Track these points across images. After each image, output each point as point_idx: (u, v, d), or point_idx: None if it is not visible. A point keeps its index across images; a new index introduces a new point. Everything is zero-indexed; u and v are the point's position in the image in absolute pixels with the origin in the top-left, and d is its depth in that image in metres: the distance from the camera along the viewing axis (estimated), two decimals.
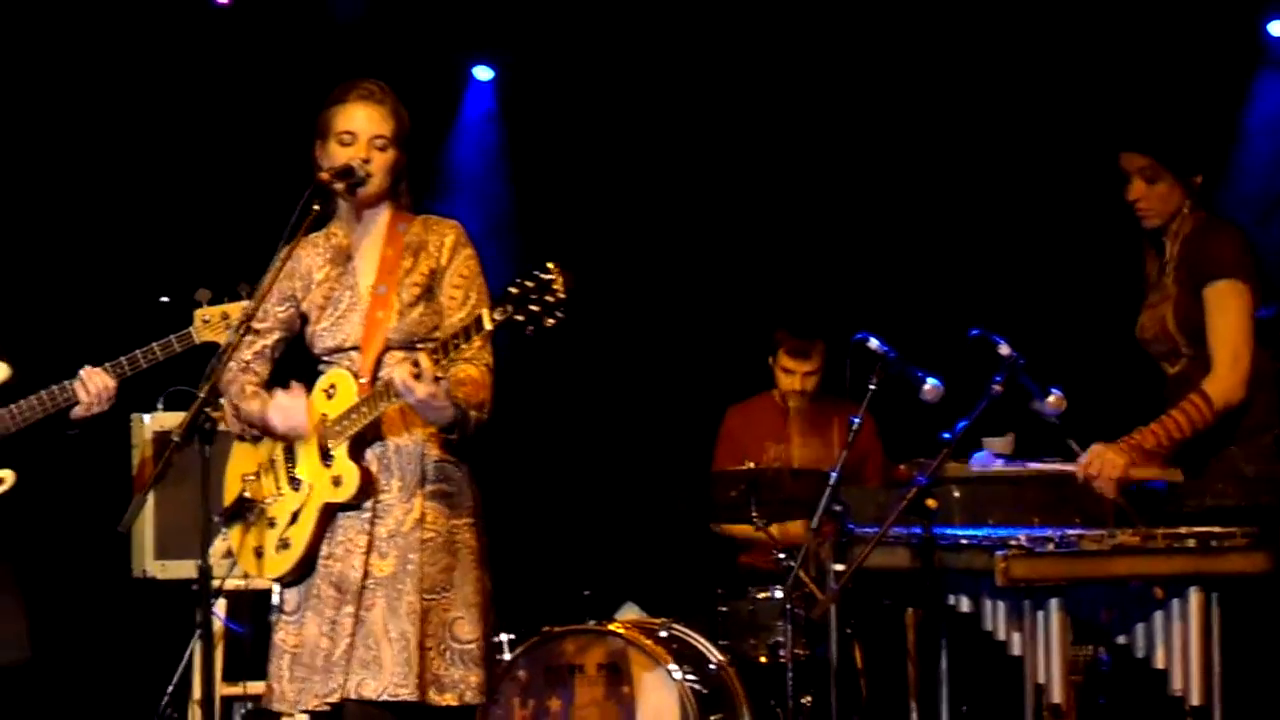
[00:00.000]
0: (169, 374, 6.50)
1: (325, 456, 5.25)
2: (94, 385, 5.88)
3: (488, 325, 4.94)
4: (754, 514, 7.11)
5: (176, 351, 5.89)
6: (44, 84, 8.15)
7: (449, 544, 5.27)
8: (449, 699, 5.20)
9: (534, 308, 4.85)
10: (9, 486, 5.92)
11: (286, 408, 5.28)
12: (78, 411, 5.92)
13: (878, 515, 6.08)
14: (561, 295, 4.84)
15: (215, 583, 5.45)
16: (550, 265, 4.87)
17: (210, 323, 5.87)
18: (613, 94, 8.78)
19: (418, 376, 4.98)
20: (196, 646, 6.63)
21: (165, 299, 6.01)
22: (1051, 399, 5.77)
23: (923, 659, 6.76)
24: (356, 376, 5.26)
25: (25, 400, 5.88)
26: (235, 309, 5.83)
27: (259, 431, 5.35)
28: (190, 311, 5.89)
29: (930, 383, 5.90)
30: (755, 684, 7.05)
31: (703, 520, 7.74)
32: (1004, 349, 5.76)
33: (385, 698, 5.13)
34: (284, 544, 5.28)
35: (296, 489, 5.29)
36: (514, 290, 4.87)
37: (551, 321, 4.86)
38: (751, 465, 7.29)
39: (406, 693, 5.12)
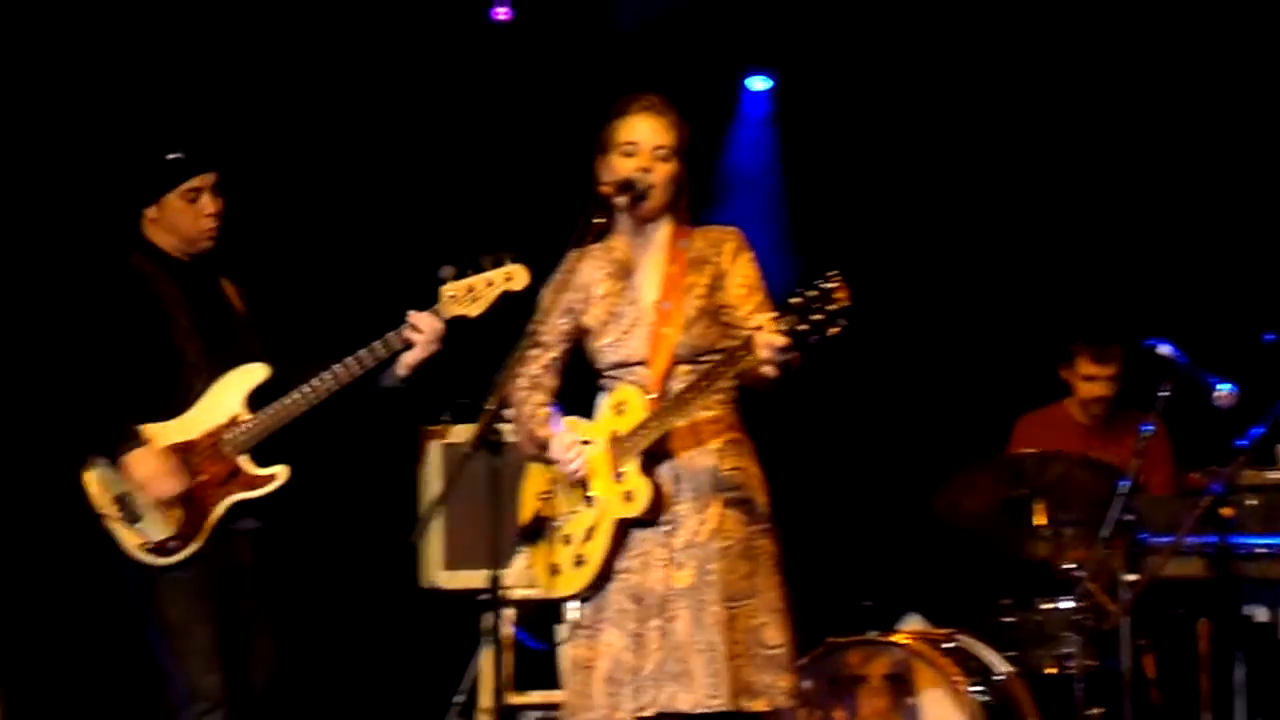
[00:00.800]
0: (456, 386, 6.62)
1: (617, 472, 5.28)
2: (425, 325, 5.90)
3: None
4: (1036, 526, 7.01)
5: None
6: (332, 102, 8.32)
7: (748, 550, 5.28)
8: (760, 704, 5.21)
9: (817, 317, 4.83)
10: (282, 482, 6.02)
11: (564, 454, 5.33)
12: (410, 358, 5.94)
13: (1169, 524, 5.98)
14: (845, 303, 4.83)
15: (505, 593, 5.49)
16: (832, 274, 4.85)
17: (456, 298, 5.91)
18: (892, 100, 8.72)
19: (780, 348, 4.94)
20: (485, 655, 6.71)
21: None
22: None
23: (1217, 670, 6.63)
24: (645, 392, 5.28)
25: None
26: (479, 281, 5.88)
27: (546, 459, 5.41)
28: (435, 289, 5.94)
29: (1223, 388, 5.78)
30: (1043, 696, 6.95)
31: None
32: None
33: (699, 710, 5.14)
34: (580, 560, 5.32)
35: (590, 505, 5.33)
36: (797, 300, 4.87)
37: (835, 330, 4.84)
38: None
39: (719, 703, 5.14)
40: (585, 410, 5.48)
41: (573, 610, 5.42)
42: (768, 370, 5.01)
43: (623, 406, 5.31)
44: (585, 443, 5.36)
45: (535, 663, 6.98)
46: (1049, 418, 7.82)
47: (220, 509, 5.94)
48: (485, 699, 6.91)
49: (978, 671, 6.91)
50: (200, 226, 6.03)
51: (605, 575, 5.29)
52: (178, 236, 6.04)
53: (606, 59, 8.41)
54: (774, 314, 4.95)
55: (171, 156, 6.02)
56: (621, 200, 5.35)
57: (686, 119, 5.43)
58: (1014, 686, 6.93)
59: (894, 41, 8.67)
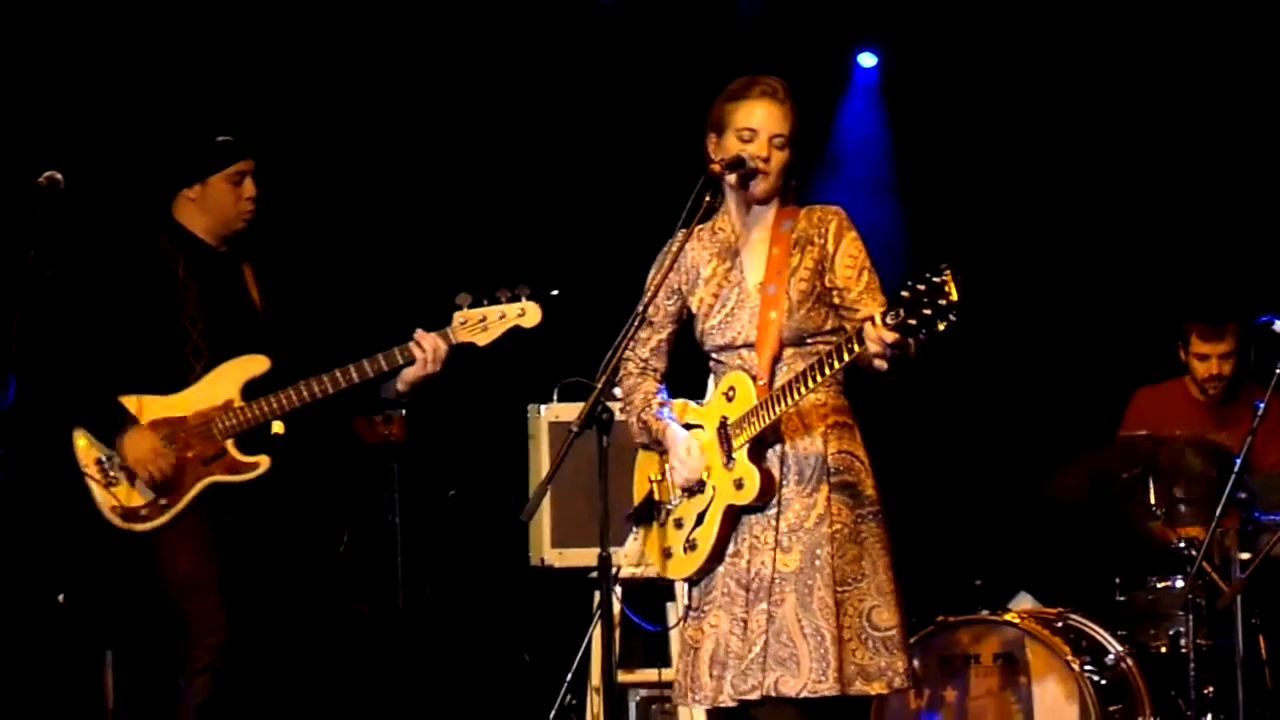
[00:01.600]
0: (564, 365, 6.64)
1: (728, 459, 5.28)
2: (428, 344, 6.05)
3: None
4: (1151, 504, 6.96)
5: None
6: (440, 92, 8.36)
7: (855, 534, 5.25)
8: (877, 687, 5.20)
9: (926, 311, 4.78)
10: (263, 471, 6.16)
11: (685, 464, 5.32)
12: (411, 374, 6.08)
13: None
14: (954, 298, 4.76)
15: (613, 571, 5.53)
16: (942, 267, 4.80)
17: (467, 324, 6.07)
18: (1002, 77, 8.66)
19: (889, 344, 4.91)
20: (596, 633, 6.74)
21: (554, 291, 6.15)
22: None
23: None
24: (754, 378, 5.27)
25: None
26: (492, 312, 6.06)
27: (660, 449, 5.42)
28: (449, 314, 6.10)
29: None
30: (1155, 675, 6.92)
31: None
32: None
33: (805, 694, 5.13)
34: (691, 545, 5.32)
35: (701, 491, 5.32)
36: (905, 294, 4.81)
37: (944, 325, 4.79)
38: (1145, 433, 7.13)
39: (826, 688, 5.12)
40: (693, 389, 5.50)
41: (685, 595, 5.43)
42: (879, 364, 4.99)
43: (732, 393, 5.29)
44: (695, 426, 5.37)
45: (645, 642, 7.00)
46: (1166, 393, 7.74)
47: (198, 487, 6.10)
48: (595, 677, 6.94)
49: (1089, 650, 6.90)
50: (241, 209, 6.22)
51: (716, 559, 5.29)
52: (215, 218, 6.22)
53: (712, 37, 8.39)
54: (882, 307, 4.92)
55: (221, 139, 6.22)
56: (731, 179, 5.31)
57: (799, 100, 5.39)
58: (1126, 665, 6.91)
59: (999, 20, 8.62)
